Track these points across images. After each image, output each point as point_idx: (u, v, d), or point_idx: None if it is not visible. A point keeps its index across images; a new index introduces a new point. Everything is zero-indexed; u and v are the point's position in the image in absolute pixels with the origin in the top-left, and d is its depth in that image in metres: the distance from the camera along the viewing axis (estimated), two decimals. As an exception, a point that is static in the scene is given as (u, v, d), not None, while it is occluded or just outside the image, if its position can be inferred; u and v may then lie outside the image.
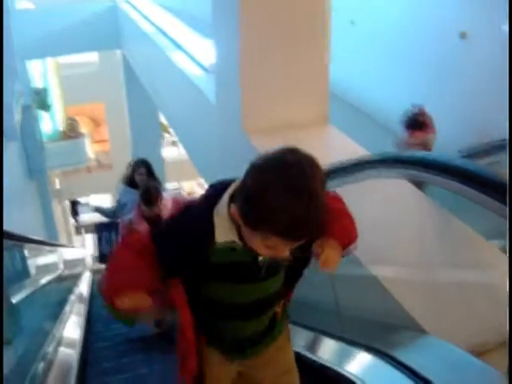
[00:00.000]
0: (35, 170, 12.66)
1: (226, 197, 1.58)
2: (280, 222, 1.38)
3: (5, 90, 7.65)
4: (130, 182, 6.25)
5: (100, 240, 6.82)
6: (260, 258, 1.63)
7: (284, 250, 1.51)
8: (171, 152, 19.57)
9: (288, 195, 1.36)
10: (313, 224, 1.42)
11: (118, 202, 6.45)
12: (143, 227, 4.67)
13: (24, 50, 11.99)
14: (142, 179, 6.06)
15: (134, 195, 6.01)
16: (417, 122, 5.71)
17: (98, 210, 7.02)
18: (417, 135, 5.63)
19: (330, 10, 4.45)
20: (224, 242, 1.60)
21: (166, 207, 4.94)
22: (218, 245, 1.61)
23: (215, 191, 1.64)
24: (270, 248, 1.50)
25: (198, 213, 1.64)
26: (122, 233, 5.06)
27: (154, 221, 4.81)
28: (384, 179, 2.60)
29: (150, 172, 6.22)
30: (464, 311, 2.52)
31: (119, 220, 6.50)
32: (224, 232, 1.59)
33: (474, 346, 2.29)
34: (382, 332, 2.65)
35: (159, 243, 1.67)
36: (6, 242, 3.58)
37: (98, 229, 6.83)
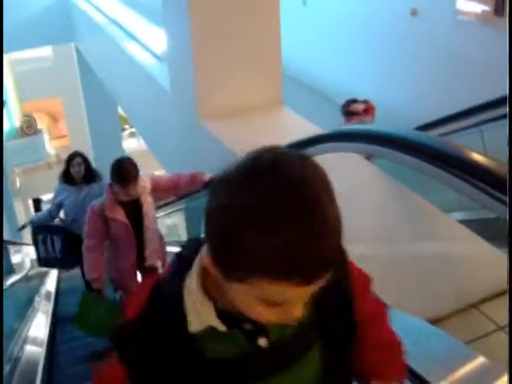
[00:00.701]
0: (-7, 170, 12.45)
1: (196, 262, 1.09)
2: (272, 256, 0.84)
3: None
4: (66, 177, 5.73)
5: (36, 244, 6.15)
6: (261, 343, 1.09)
7: (295, 306, 0.96)
8: (132, 143, 19.41)
9: (276, 215, 0.84)
10: (323, 248, 0.86)
11: (52, 201, 5.94)
12: (118, 215, 3.95)
13: (-26, 47, 11.73)
14: (80, 170, 5.59)
15: (71, 192, 5.62)
16: (348, 110, 5.99)
17: (30, 222, 6.42)
18: (352, 120, 5.88)
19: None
20: (200, 330, 1.07)
21: (146, 190, 4.07)
22: (196, 336, 1.07)
23: (184, 260, 1.13)
24: (274, 306, 0.94)
25: (167, 301, 1.11)
26: (90, 220, 3.99)
27: (130, 208, 4.02)
28: (339, 156, 2.61)
29: (87, 163, 5.73)
30: (422, 282, 2.56)
31: (57, 221, 6.04)
32: (197, 315, 1.07)
33: (432, 315, 2.33)
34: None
35: (133, 367, 1.12)
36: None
37: (34, 232, 6.19)
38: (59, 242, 5.98)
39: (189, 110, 4.71)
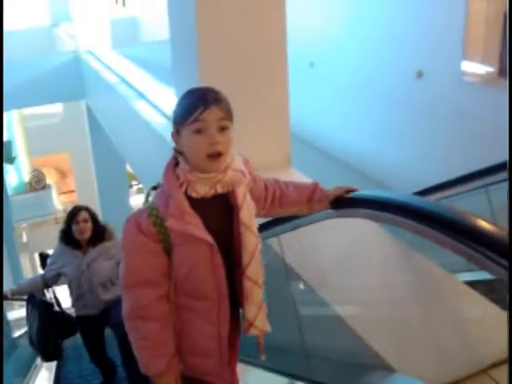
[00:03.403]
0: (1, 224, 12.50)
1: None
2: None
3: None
4: (66, 238, 4.41)
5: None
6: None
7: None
8: (139, 199, 19.52)
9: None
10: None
11: (49, 265, 4.54)
12: (194, 226, 1.87)
13: (-13, 103, 11.94)
14: (85, 229, 4.30)
15: (73, 258, 4.36)
16: None
17: (18, 287, 4.84)
18: None
19: (287, 53, 4.54)
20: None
21: (244, 177, 1.98)
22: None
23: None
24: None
25: None
26: (133, 247, 1.95)
27: (212, 213, 1.94)
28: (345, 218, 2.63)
29: (94, 220, 4.42)
30: (431, 346, 2.53)
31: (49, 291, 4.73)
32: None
33: (440, 380, 2.30)
34: (351, 372, 2.64)
35: None
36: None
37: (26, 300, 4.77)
38: (36, 320, 4.55)
39: (197, 169, 4.74)
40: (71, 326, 4.66)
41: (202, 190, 1.89)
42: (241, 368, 2.45)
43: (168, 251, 1.93)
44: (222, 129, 1.82)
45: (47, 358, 4.83)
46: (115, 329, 4.26)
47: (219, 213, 1.98)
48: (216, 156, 1.82)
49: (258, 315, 2.05)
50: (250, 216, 2.00)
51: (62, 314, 4.68)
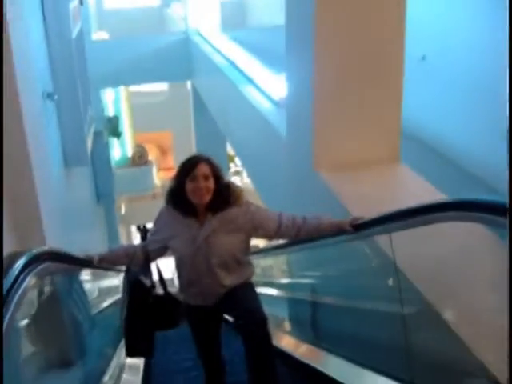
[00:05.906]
0: (103, 195, 12.96)
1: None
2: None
3: (78, 117, 7.82)
4: (176, 201, 3.15)
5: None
6: None
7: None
8: (235, 181, 19.74)
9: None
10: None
11: (151, 234, 3.39)
12: None
13: (98, 78, 12.39)
14: (206, 188, 3.01)
15: (185, 226, 3.14)
16: None
17: (104, 260, 3.46)
18: None
19: (403, 48, 4.44)
20: None
21: None
22: None
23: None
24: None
25: None
26: None
27: None
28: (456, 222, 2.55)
29: (217, 176, 3.08)
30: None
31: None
32: None
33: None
34: (452, 378, 2.58)
35: None
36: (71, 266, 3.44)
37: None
38: (125, 308, 3.29)
39: (304, 158, 4.74)
40: (176, 315, 3.46)
41: None
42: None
43: None
44: None
45: (132, 355, 3.53)
46: (245, 318, 3.06)
47: None
48: None
49: None
50: None
51: (166, 298, 3.42)
